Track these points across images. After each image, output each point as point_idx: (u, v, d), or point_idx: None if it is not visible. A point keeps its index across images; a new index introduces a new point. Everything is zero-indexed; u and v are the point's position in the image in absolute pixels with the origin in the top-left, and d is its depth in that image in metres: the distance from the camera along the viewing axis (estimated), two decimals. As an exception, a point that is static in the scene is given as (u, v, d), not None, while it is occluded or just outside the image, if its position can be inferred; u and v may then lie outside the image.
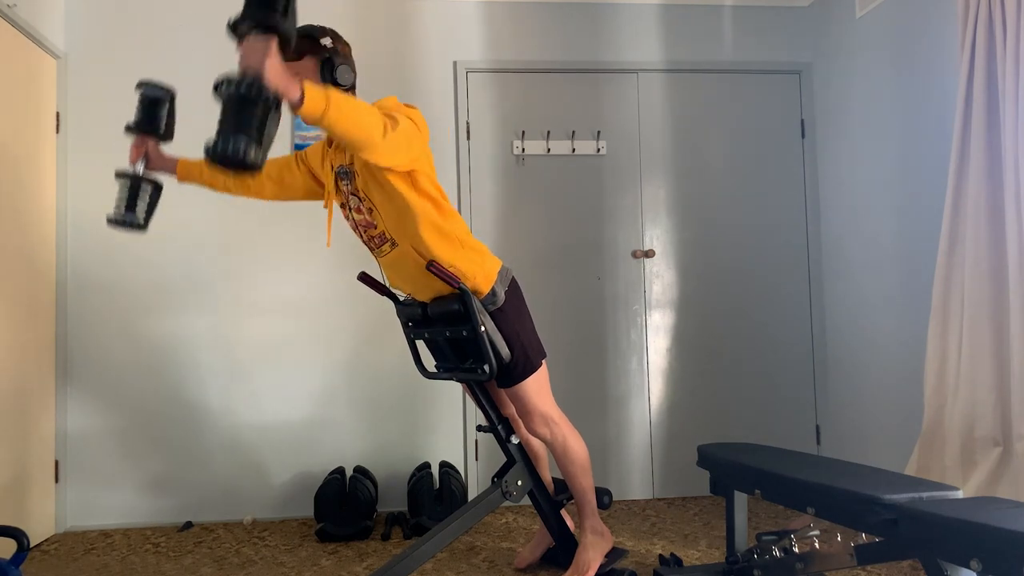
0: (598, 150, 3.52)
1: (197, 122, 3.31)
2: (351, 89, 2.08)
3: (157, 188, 2.11)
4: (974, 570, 1.43)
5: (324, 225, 3.36)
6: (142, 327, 3.24)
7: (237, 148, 1.61)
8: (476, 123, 3.48)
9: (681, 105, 3.59)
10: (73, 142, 3.24)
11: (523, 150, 3.48)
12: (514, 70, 3.51)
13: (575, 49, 3.54)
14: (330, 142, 2.19)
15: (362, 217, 2.14)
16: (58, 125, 3.20)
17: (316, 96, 1.66)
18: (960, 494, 1.69)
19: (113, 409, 3.22)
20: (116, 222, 2.05)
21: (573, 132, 3.51)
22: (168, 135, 2.11)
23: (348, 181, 2.12)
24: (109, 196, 3.25)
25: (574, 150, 3.51)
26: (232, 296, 3.29)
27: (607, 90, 3.55)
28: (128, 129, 2.08)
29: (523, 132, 3.49)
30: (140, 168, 2.11)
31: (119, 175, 2.08)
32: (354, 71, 2.06)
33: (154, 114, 2.07)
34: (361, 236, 2.22)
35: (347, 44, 2.09)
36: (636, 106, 3.56)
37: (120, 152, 3.27)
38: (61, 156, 3.21)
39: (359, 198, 2.11)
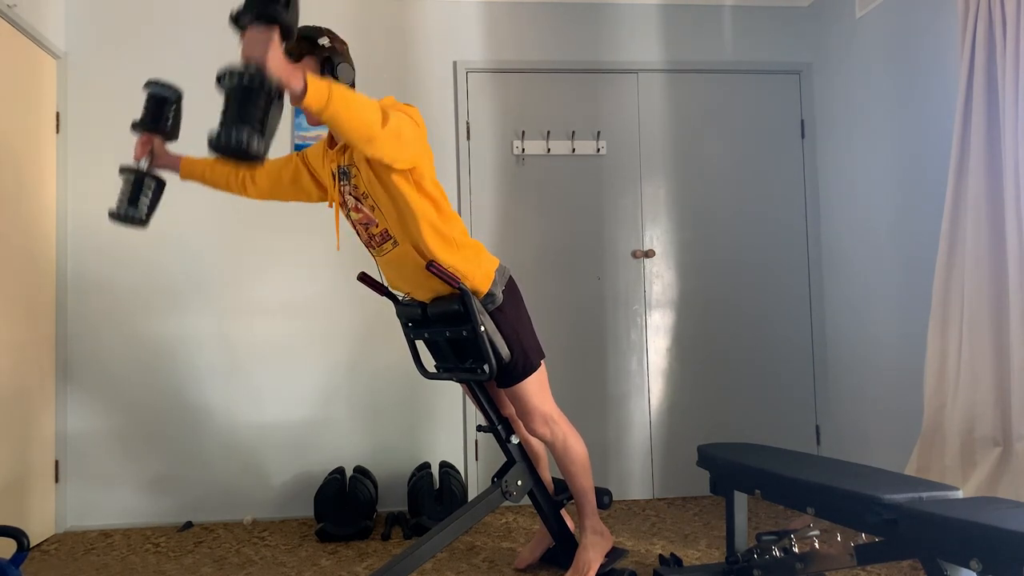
0: (598, 150, 3.52)
1: (197, 121, 3.31)
2: (351, 87, 2.08)
3: (160, 185, 2.13)
4: (974, 570, 1.44)
5: (324, 226, 3.36)
6: (142, 327, 3.24)
7: (240, 138, 1.63)
8: (476, 123, 3.48)
9: (681, 105, 3.59)
10: (73, 142, 3.25)
11: (523, 150, 3.48)
12: (514, 70, 3.51)
13: (575, 49, 3.54)
14: (331, 143, 2.19)
15: (361, 215, 2.14)
16: (58, 125, 3.20)
17: (319, 87, 1.68)
18: (960, 494, 1.69)
19: (113, 409, 3.22)
20: (118, 217, 2.07)
21: (573, 132, 3.51)
22: (173, 134, 2.14)
23: (346, 181, 2.12)
24: (109, 196, 3.25)
25: (574, 150, 3.51)
26: (232, 296, 3.29)
27: (607, 90, 3.55)
28: (134, 126, 2.10)
29: (523, 132, 3.49)
30: (144, 164, 2.13)
31: (123, 170, 2.10)
32: (353, 68, 2.07)
33: (160, 113, 2.09)
34: (361, 235, 2.22)
35: (344, 42, 2.10)
36: (636, 106, 3.56)
37: (120, 152, 3.27)
38: (61, 156, 3.21)
39: (357, 198, 2.11)
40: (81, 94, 3.26)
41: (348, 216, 2.20)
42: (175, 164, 2.23)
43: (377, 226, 2.13)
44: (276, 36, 1.62)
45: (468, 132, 3.47)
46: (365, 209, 2.12)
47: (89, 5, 3.29)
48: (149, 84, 2.07)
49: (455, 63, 3.47)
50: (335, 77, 2.01)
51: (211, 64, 3.33)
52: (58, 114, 3.20)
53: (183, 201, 3.29)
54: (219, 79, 1.66)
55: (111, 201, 3.25)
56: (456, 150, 3.45)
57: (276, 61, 1.61)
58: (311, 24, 2.09)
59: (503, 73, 3.51)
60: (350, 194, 2.13)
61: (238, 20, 1.67)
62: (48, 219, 3.12)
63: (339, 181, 2.15)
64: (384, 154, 1.89)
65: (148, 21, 3.32)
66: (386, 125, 1.83)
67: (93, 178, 3.25)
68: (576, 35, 3.54)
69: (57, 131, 3.20)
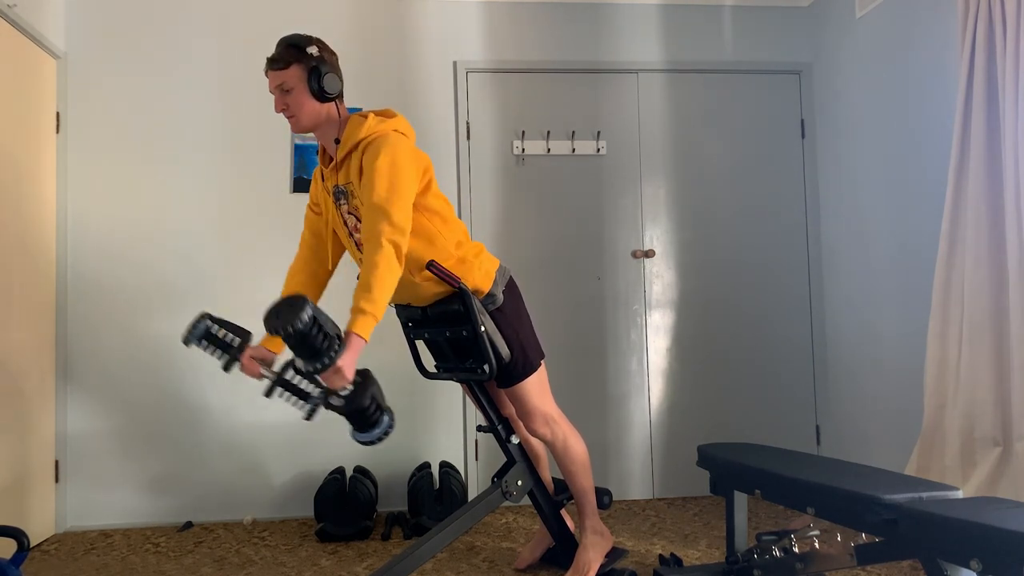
0: (598, 150, 3.52)
1: (199, 122, 3.32)
2: (338, 96, 2.06)
3: (245, 336, 2.05)
4: (974, 570, 1.43)
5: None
6: (142, 327, 3.24)
7: (385, 429, 1.92)
8: (476, 123, 3.48)
9: (681, 105, 3.59)
10: (73, 142, 3.24)
11: (523, 150, 3.48)
12: (514, 70, 3.51)
13: (575, 49, 3.54)
14: (327, 161, 2.15)
15: (360, 235, 2.10)
16: (58, 125, 3.20)
17: (364, 325, 1.83)
18: (960, 494, 1.69)
19: (113, 409, 3.22)
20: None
21: (573, 132, 3.51)
22: (242, 344, 2.04)
23: (345, 200, 2.10)
24: (109, 196, 3.25)
25: (574, 150, 3.51)
26: (232, 296, 3.29)
27: (607, 90, 3.55)
28: (224, 368, 2.05)
29: (523, 132, 3.49)
30: (277, 369, 2.01)
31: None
32: (341, 79, 2.06)
33: (220, 344, 2.03)
34: (357, 258, 2.18)
35: (334, 53, 2.08)
36: (636, 106, 3.56)
37: (120, 152, 3.27)
38: (61, 156, 3.21)
39: (357, 217, 2.08)
40: (81, 94, 3.26)
41: (350, 237, 2.15)
42: (272, 345, 2.14)
43: None
44: (345, 363, 1.78)
45: (468, 132, 3.47)
46: (363, 229, 2.08)
47: (89, 5, 3.29)
48: (188, 341, 2.00)
49: (455, 63, 3.47)
50: (321, 87, 2.00)
51: (211, 63, 3.33)
52: (58, 114, 3.20)
53: (183, 201, 3.29)
54: (346, 411, 1.86)
55: (111, 201, 3.25)
56: (456, 150, 3.45)
57: (352, 366, 1.81)
58: (303, 33, 2.08)
59: (503, 73, 3.51)
60: (350, 213, 2.10)
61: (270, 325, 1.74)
62: (48, 219, 3.12)
63: (337, 202, 2.12)
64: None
65: (148, 21, 3.32)
66: (399, 247, 1.91)
67: (93, 178, 3.25)
68: (576, 35, 3.54)
69: (57, 131, 3.20)
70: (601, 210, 3.51)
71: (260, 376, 2.00)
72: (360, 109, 3.39)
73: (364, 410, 1.85)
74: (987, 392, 2.43)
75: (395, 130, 2.05)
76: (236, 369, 2.04)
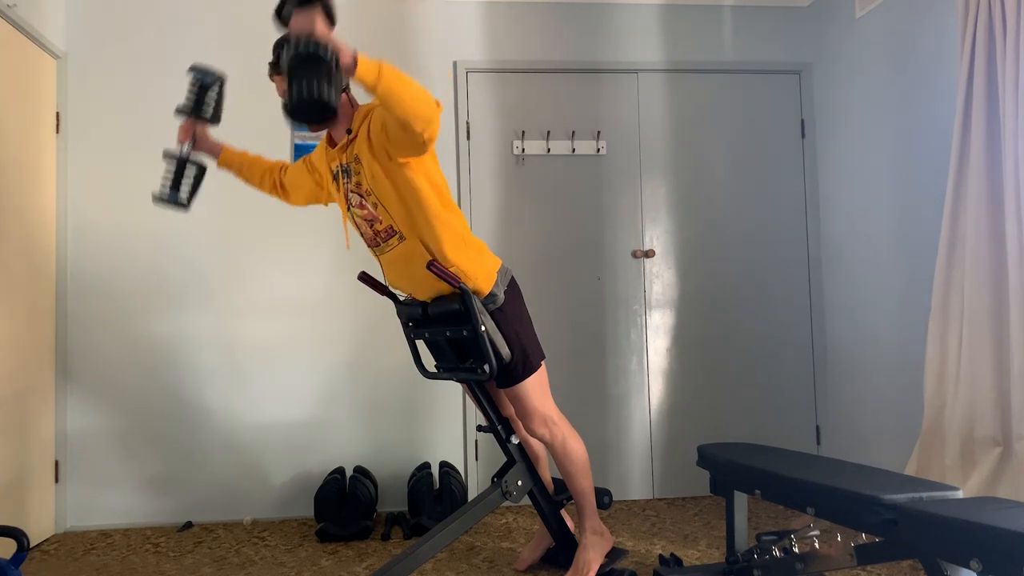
0: (598, 150, 3.52)
1: (197, 122, 3.32)
2: (347, 88, 2.09)
3: (201, 170, 2.20)
4: (974, 570, 1.43)
5: (324, 226, 3.35)
6: (142, 327, 3.24)
7: (312, 89, 1.73)
8: (476, 123, 3.48)
9: (681, 105, 3.59)
10: (73, 142, 3.24)
11: (523, 150, 3.48)
12: (514, 70, 3.51)
13: (575, 49, 3.54)
14: (331, 142, 2.18)
15: (366, 212, 2.13)
16: (58, 125, 3.20)
17: (368, 60, 1.76)
18: (960, 494, 1.69)
19: (113, 409, 3.22)
20: (161, 200, 2.15)
21: (573, 132, 3.51)
22: (216, 119, 2.20)
23: (348, 179, 2.12)
24: (109, 196, 3.25)
25: (574, 150, 3.51)
26: (232, 296, 3.29)
27: (607, 90, 3.55)
28: (177, 111, 2.16)
29: (523, 132, 3.49)
30: (187, 149, 2.19)
31: (166, 155, 2.17)
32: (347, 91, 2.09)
33: (203, 98, 2.15)
34: (365, 233, 2.20)
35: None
36: (636, 106, 3.56)
37: (120, 152, 3.27)
38: (61, 156, 3.21)
39: (360, 195, 2.10)
40: (81, 94, 3.26)
41: (351, 214, 2.19)
42: (216, 150, 2.31)
43: (381, 222, 2.12)
44: (319, 14, 1.74)
45: (468, 132, 3.47)
46: (368, 206, 2.11)
47: (89, 5, 3.29)
48: (192, 69, 2.14)
49: (455, 63, 3.47)
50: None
51: (210, 63, 3.33)
52: (58, 114, 3.20)
53: (183, 201, 3.29)
54: (277, 55, 1.83)
55: (111, 201, 3.25)
56: (456, 150, 3.45)
57: (325, 33, 1.72)
58: None
59: (503, 73, 3.51)
60: (352, 191, 2.12)
61: (281, 12, 1.79)
62: (48, 219, 3.12)
63: (342, 180, 2.15)
64: (432, 135, 1.89)
65: (148, 21, 3.32)
66: (439, 106, 1.87)
67: (93, 178, 3.25)
68: (576, 35, 3.54)
69: (57, 131, 3.20)
70: (601, 210, 3.51)
71: (180, 143, 2.16)
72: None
73: (310, 58, 1.73)
74: (987, 392, 2.43)
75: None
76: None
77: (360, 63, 1.75)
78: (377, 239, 2.17)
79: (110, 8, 3.30)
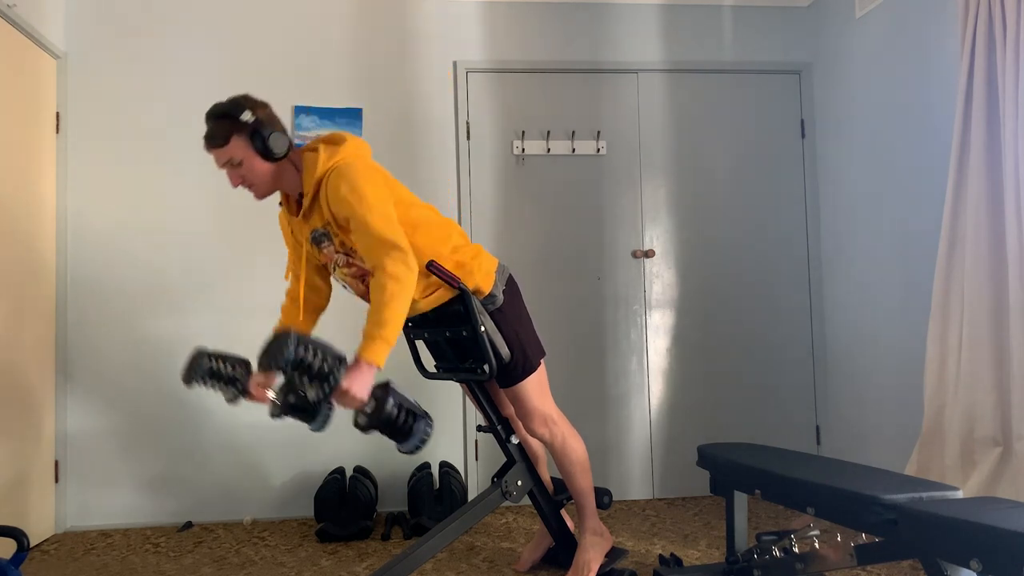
0: (598, 150, 3.52)
1: (199, 121, 3.32)
2: (287, 152, 1.96)
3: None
4: (974, 570, 1.43)
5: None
6: (142, 327, 3.24)
7: (422, 435, 1.90)
8: (476, 123, 3.48)
9: (681, 105, 3.59)
10: (73, 142, 3.24)
11: (523, 150, 3.48)
12: (514, 70, 3.51)
13: (575, 49, 3.54)
14: (291, 208, 2.08)
15: (354, 268, 2.08)
16: (58, 125, 3.20)
17: (376, 351, 1.84)
18: (960, 494, 1.69)
19: (113, 409, 3.22)
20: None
21: (573, 132, 3.51)
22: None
23: (328, 241, 2.04)
24: (109, 196, 3.25)
25: (574, 150, 3.51)
26: (232, 296, 3.29)
27: (607, 90, 3.55)
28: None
29: (523, 132, 3.49)
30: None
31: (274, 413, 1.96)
32: (285, 132, 1.96)
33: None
34: (355, 289, 2.15)
35: (266, 105, 1.98)
36: (636, 106, 3.56)
37: (120, 152, 3.27)
38: (61, 156, 3.21)
39: (346, 253, 2.05)
40: (81, 94, 3.26)
41: (338, 274, 2.13)
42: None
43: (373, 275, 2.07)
44: (360, 380, 1.83)
45: (468, 132, 3.47)
46: (356, 262, 2.06)
47: (89, 5, 3.29)
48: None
49: (455, 63, 3.47)
50: (268, 149, 1.91)
51: (211, 63, 3.33)
52: (58, 114, 3.20)
53: (183, 201, 3.29)
54: (363, 427, 1.89)
55: (111, 201, 3.25)
56: (456, 150, 3.45)
57: (364, 387, 1.83)
58: (233, 96, 1.97)
59: (503, 73, 3.51)
60: (337, 251, 2.06)
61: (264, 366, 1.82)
62: (48, 219, 3.12)
63: (320, 245, 2.06)
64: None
65: (148, 21, 3.32)
66: (407, 264, 1.89)
67: (93, 178, 3.25)
68: (576, 35, 3.54)
69: (57, 131, 3.20)
70: (601, 210, 3.51)
71: (269, 399, 1.97)
72: (348, 107, 3.39)
73: (392, 423, 1.87)
74: (987, 392, 2.43)
75: (344, 159, 1.97)
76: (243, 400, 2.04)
77: (380, 359, 1.85)
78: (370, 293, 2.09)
79: (110, 8, 3.30)
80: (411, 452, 1.91)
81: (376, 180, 1.96)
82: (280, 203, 2.16)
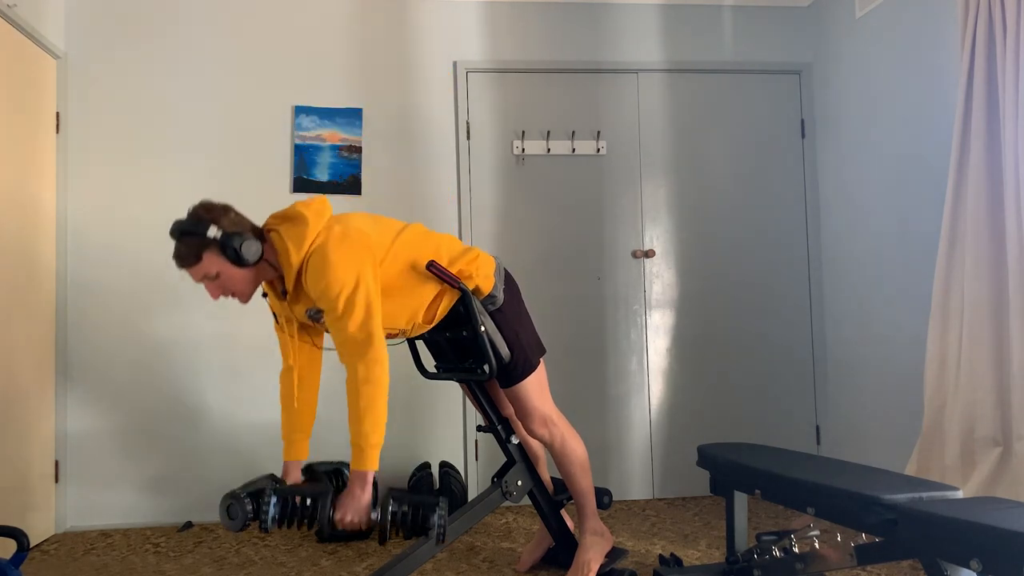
0: (598, 150, 3.52)
1: (199, 121, 3.32)
2: (261, 258, 1.91)
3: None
4: (974, 570, 1.43)
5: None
6: (142, 327, 3.24)
7: (440, 525, 1.87)
8: (476, 123, 3.48)
9: (681, 105, 3.59)
10: (73, 142, 3.24)
11: (523, 150, 3.48)
12: (514, 70, 3.51)
13: (575, 49, 3.54)
14: (282, 293, 2.03)
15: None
16: (58, 125, 3.20)
17: (365, 462, 1.84)
18: (960, 494, 1.69)
19: (113, 409, 3.22)
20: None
21: (573, 132, 3.51)
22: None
23: (322, 318, 2.00)
24: (109, 196, 3.25)
25: (574, 150, 3.51)
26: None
27: (607, 90, 3.55)
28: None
29: (523, 132, 3.49)
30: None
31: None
32: (256, 237, 1.90)
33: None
34: None
35: (228, 209, 1.91)
36: (636, 106, 3.56)
37: (120, 152, 3.26)
38: (61, 156, 3.21)
39: None
40: (81, 94, 3.26)
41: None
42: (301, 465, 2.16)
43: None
44: (357, 499, 1.84)
45: (468, 132, 3.47)
46: None
47: (89, 5, 3.29)
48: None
49: (455, 63, 3.47)
50: (241, 259, 1.86)
51: (211, 63, 3.33)
52: (58, 114, 3.20)
53: (183, 201, 3.29)
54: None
55: (111, 201, 3.25)
56: (456, 150, 3.45)
57: (361, 509, 1.83)
58: (193, 210, 1.90)
59: (503, 73, 3.51)
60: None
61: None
62: (48, 219, 3.12)
63: (318, 320, 2.01)
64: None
65: (148, 21, 3.32)
66: (374, 363, 1.86)
67: (93, 178, 3.25)
68: (576, 35, 3.54)
69: (57, 131, 3.20)
70: (601, 210, 3.51)
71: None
72: (360, 111, 3.39)
73: (406, 525, 1.87)
74: (987, 392, 2.43)
75: (317, 238, 1.91)
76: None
77: (369, 470, 1.85)
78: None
79: (110, 8, 3.30)
80: (439, 543, 1.90)
81: (350, 259, 1.87)
82: (264, 294, 2.10)
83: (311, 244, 1.92)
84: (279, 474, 2.09)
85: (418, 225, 2.16)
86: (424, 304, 2.10)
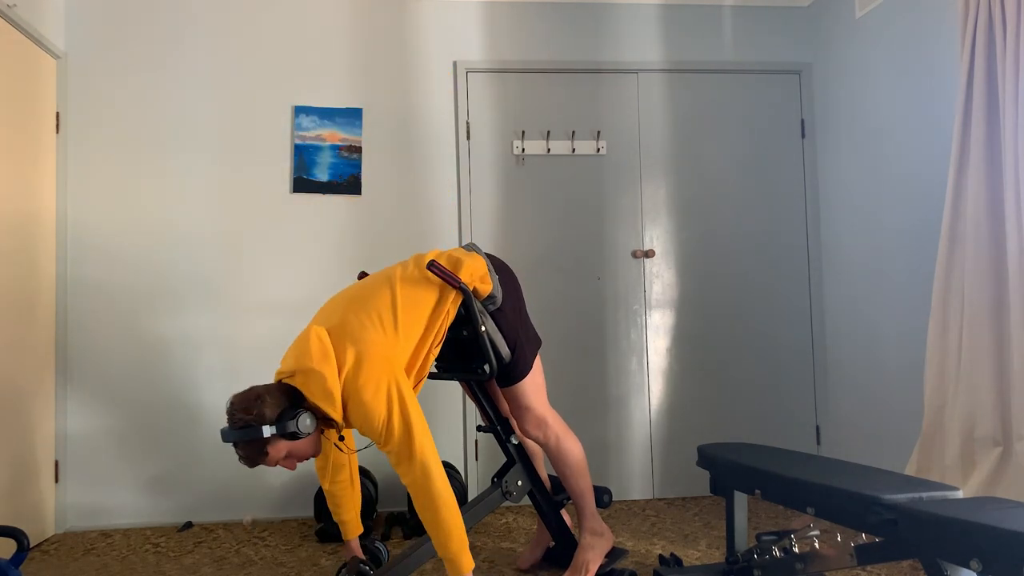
0: (598, 150, 3.52)
1: (199, 121, 3.32)
2: (315, 425, 1.92)
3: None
4: (974, 570, 1.44)
5: (324, 227, 3.35)
6: (142, 327, 3.24)
7: None
8: (476, 123, 3.48)
9: (681, 105, 3.59)
10: (73, 142, 3.25)
11: (523, 150, 3.48)
12: (514, 70, 3.51)
13: (575, 49, 3.54)
14: (340, 438, 2.22)
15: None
16: (58, 125, 3.21)
17: (459, 567, 1.91)
18: (960, 494, 1.69)
19: (113, 409, 3.22)
20: None
21: (573, 132, 3.51)
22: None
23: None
24: (109, 196, 3.25)
25: (574, 150, 3.51)
26: (232, 296, 3.29)
27: (607, 90, 3.55)
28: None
29: (523, 132, 3.49)
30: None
31: None
32: (309, 410, 1.91)
33: None
34: None
35: (263, 399, 1.87)
36: (636, 106, 3.56)
37: (120, 152, 3.26)
38: (61, 156, 3.21)
39: None
40: (81, 94, 3.26)
41: None
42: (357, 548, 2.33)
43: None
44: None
45: (468, 132, 3.47)
46: None
47: (89, 5, 3.29)
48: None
49: (455, 63, 3.47)
50: (300, 434, 1.88)
51: (211, 63, 3.33)
52: (58, 114, 3.20)
53: (183, 201, 3.30)
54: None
55: (111, 201, 3.25)
56: (456, 150, 3.45)
57: None
58: (234, 416, 1.88)
59: (503, 73, 3.51)
60: None
61: None
62: (48, 219, 3.12)
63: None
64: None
65: (148, 21, 3.32)
66: (426, 473, 1.93)
67: (93, 178, 3.25)
68: (576, 35, 3.54)
69: (57, 131, 3.20)
70: (601, 210, 3.51)
71: None
72: (358, 110, 3.39)
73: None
74: (987, 392, 2.43)
75: (341, 382, 1.91)
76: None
77: (467, 571, 1.91)
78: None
79: (110, 8, 3.30)
80: None
81: (378, 390, 1.90)
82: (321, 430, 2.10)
83: (341, 391, 1.92)
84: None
85: (404, 270, 2.13)
86: (442, 332, 2.10)
